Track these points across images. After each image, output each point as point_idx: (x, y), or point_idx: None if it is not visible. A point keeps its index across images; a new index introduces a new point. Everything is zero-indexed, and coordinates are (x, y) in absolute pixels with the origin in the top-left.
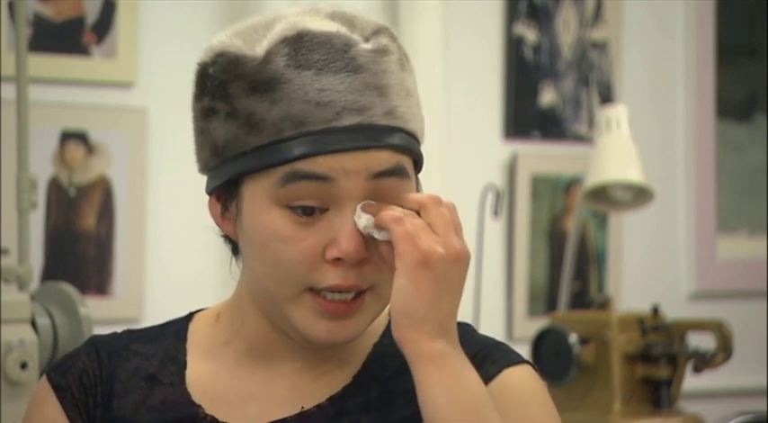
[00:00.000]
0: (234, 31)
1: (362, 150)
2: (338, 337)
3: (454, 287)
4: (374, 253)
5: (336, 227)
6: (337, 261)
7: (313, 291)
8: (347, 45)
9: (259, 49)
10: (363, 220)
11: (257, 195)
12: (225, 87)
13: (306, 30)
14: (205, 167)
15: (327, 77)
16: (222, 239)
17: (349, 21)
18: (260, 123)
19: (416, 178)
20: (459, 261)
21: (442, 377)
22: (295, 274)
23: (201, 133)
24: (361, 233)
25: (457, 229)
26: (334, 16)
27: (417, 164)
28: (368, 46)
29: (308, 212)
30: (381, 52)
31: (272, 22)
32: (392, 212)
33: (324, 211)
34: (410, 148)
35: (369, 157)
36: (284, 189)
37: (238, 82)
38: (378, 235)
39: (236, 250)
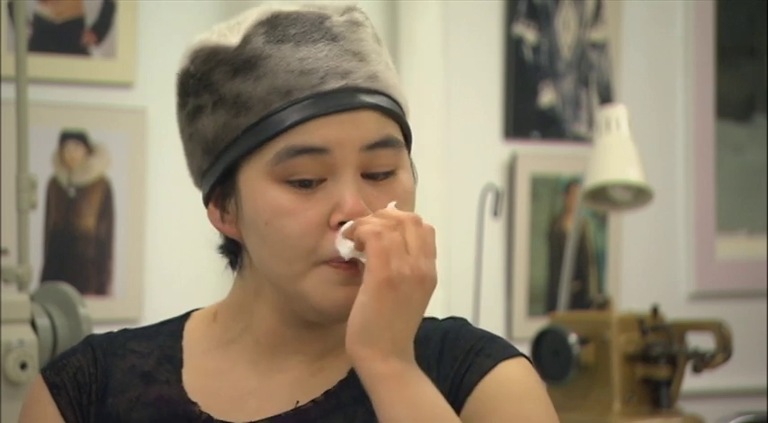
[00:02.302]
0: (207, 33)
1: (350, 112)
2: (351, 306)
3: (414, 309)
4: None
5: (337, 193)
6: (343, 226)
7: (325, 263)
8: (321, 17)
9: (235, 39)
10: (346, 247)
11: (254, 177)
12: (208, 78)
13: (279, 11)
14: (199, 173)
15: (307, 47)
16: (219, 251)
17: (320, 6)
18: (248, 102)
19: (408, 156)
20: (424, 284)
21: (401, 395)
22: (303, 247)
23: (190, 139)
24: (361, 196)
25: (429, 251)
26: (305, 5)
27: (406, 137)
28: (342, 18)
29: (306, 184)
30: (356, 23)
31: (245, 18)
32: (371, 227)
33: (321, 181)
34: (396, 112)
35: (358, 123)
36: (280, 166)
37: (220, 68)
38: (363, 258)
39: (233, 263)
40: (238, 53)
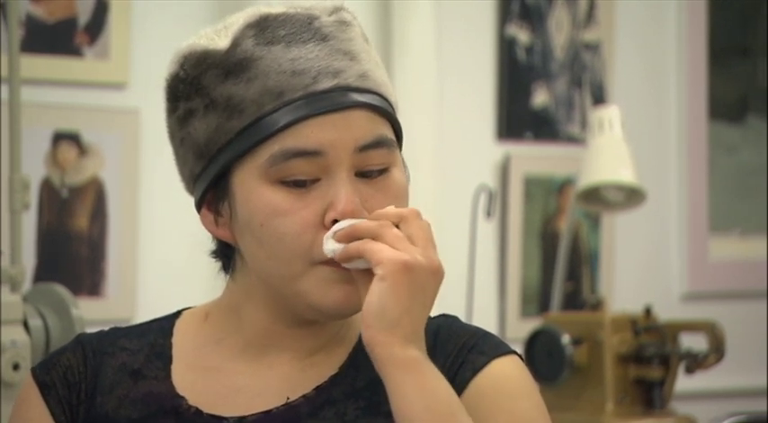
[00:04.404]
0: (195, 37)
1: (342, 112)
2: (351, 303)
3: (428, 298)
4: None
5: (331, 192)
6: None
7: (322, 263)
8: (310, 18)
9: (224, 42)
10: (332, 245)
11: (248, 179)
12: (199, 81)
13: (267, 13)
14: (191, 178)
15: (297, 48)
16: (211, 255)
17: (308, 7)
18: (240, 104)
19: (400, 153)
20: (436, 274)
21: (417, 384)
22: (300, 247)
23: (182, 144)
24: (355, 195)
25: (434, 243)
26: (293, 7)
27: (398, 135)
28: (330, 18)
29: (301, 184)
30: (344, 23)
31: (232, 22)
32: (371, 223)
33: (315, 180)
34: (387, 111)
35: (350, 123)
36: (274, 168)
37: (211, 71)
38: (349, 264)
39: (225, 266)
40: (229, 56)
